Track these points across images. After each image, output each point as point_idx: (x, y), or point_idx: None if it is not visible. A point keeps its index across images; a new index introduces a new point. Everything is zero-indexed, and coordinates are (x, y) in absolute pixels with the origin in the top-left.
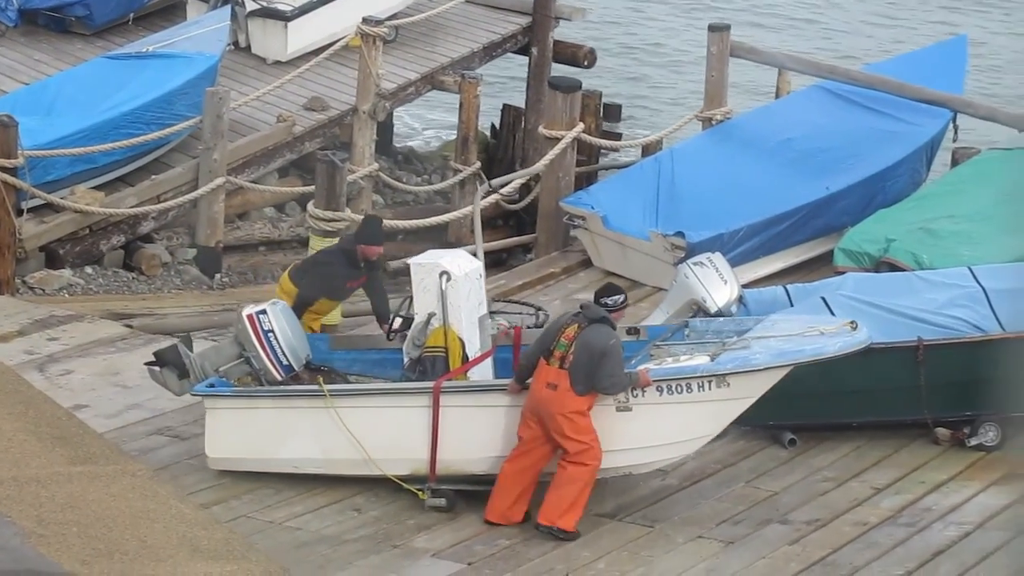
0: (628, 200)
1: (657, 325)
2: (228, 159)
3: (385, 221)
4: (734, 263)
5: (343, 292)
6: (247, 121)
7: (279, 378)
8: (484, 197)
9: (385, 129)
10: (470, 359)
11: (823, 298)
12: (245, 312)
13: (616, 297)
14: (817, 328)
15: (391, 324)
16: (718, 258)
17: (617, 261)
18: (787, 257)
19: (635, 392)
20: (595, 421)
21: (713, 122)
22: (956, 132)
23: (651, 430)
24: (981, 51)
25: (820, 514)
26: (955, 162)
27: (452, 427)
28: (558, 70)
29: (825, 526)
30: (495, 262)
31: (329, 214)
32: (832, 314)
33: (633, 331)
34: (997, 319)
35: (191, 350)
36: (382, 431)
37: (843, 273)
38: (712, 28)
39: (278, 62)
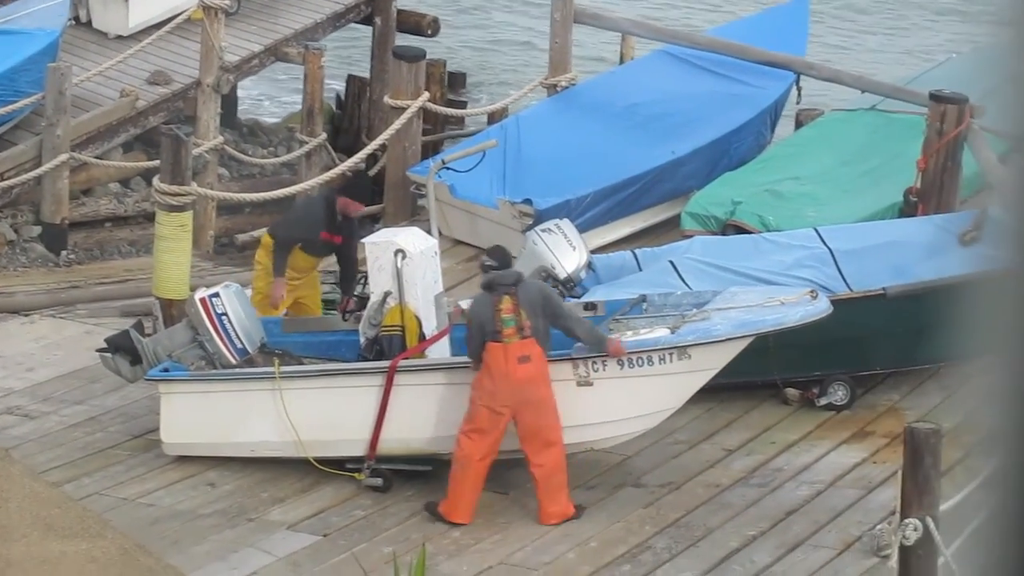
0: (476, 168)
1: (615, 299)
2: (71, 135)
3: (231, 194)
4: (582, 229)
5: (317, 244)
6: (90, 96)
7: (234, 362)
8: (436, 172)
9: (229, 102)
10: (427, 337)
11: (671, 262)
12: (198, 295)
13: (501, 256)
14: (777, 298)
15: (345, 305)
16: (566, 224)
17: (465, 230)
18: (635, 222)
19: (597, 366)
20: (556, 395)
21: (558, 89)
22: (800, 94)
23: (613, 404)
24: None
25: (673, 477)
26: (799, 124)
27: (405, 406)
28: (402, 40)
29: (678, 489)
30: None
31: (175, 188)
32: (680, 278)
33: (590, 306)
34: (844, 279)
35: (143, 335)
36: (338, 412)
37: (690, 237)
38: None
39: (120, 36)
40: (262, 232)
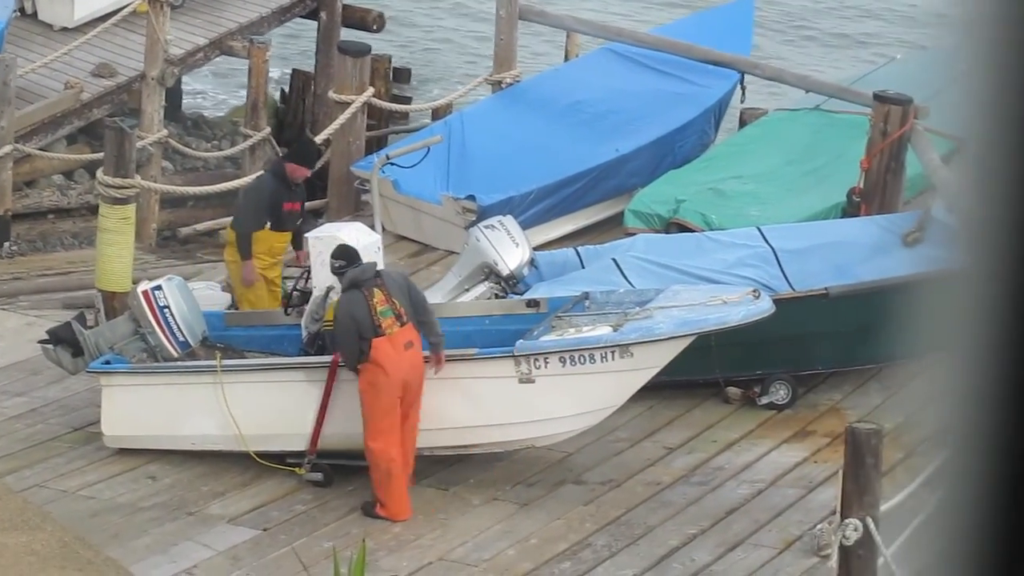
0: (419, 164)
1: (557, 297)
2: (15, 126)
3: (175, 187)
4: (525, 226)
5: (283, 216)
6: (34, 88)
7: (175, 355)
8: (380, 167)
9: (174, 95)
10: None
11: (614, 260)
12: (140, 288)
13: (347, 249)
14: (720, 297)
15: (288, 299)
16: (509, 221)
17: (409, 225)
18: (578, 219)
19: (538, 363)
20: (496, 392)
21: (503, 85)
22: (744, 93)
23: (554, 402)
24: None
25: (614, 474)
26: (743, 123)
27: (347, 401)
28: (347, 35)
29: (619, 486)
30: None
31: (119, 181)
32: (623, 276)
33: (533, 303)
34: (786, 278)
35: (85, 328)
36: (279, 407)
37: (633, 235)
38: None
39: (65, 28)
40: (206, 225)
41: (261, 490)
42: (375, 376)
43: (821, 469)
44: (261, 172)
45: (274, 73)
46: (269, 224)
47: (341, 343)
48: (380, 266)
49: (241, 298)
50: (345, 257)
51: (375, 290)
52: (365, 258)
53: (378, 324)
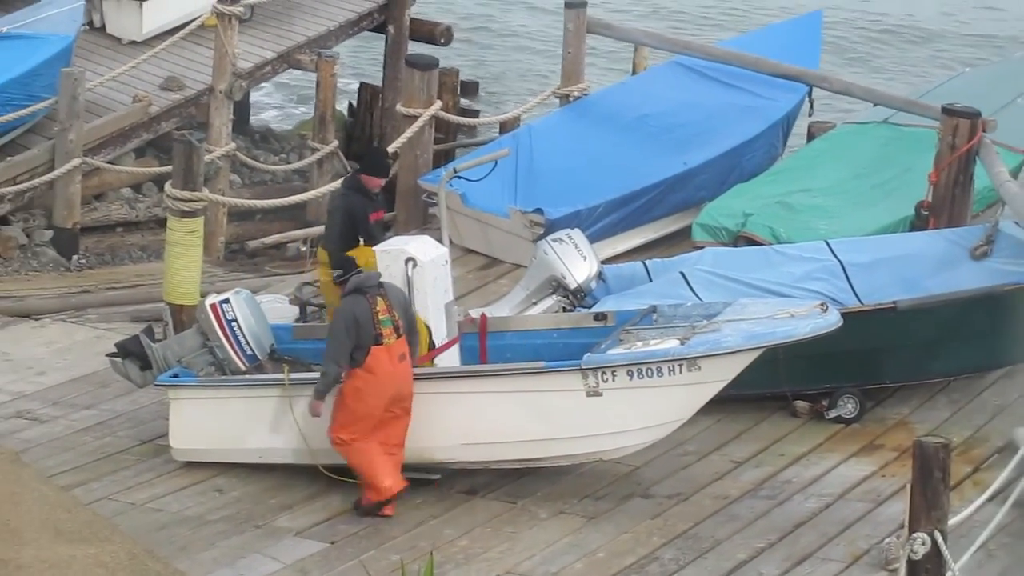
0: (487, 177)
1: (625, 310)
2: (84, 140)
3: (243, 201)
4: (593, 239)
5: (372, 229)
6: (103, 101)
7: (243, 368)
8: (448, 181)
9: (242, 108)
10: (437, 346)
11: (682, 273)
12: (208, 301)
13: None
14: (788, 311)
15: None
16: (577, 234)
17: (476, 239)
18: (646, 232)
19: (606, 376)
20: (564, 406)
21: (571, 98)
22: (812, 106)
23: (622, 415)
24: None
25: (681, 488)
26: (811, 136)
27: (415, 414)
28: (415, 48)
29: (687, 500)
30: None
31: (186, 194)
32: (691, 289)
33: (601, 317)
34: (854, 292)
35: (153, 341)
36: None
37: (701, 248)
38: (568, 5)
39: (134, 42)
40: (274, 239)
41: (329, 503)
42: (365, 384)
43: (889, 483)
44: (338, 190)
45: (341, 86)
46: (362, 240)
47: (334, 341)
48: (448, 281)
49: None
50: (343, 266)
51: (378, 298)
52: (433, 272)
53: (379, 332)
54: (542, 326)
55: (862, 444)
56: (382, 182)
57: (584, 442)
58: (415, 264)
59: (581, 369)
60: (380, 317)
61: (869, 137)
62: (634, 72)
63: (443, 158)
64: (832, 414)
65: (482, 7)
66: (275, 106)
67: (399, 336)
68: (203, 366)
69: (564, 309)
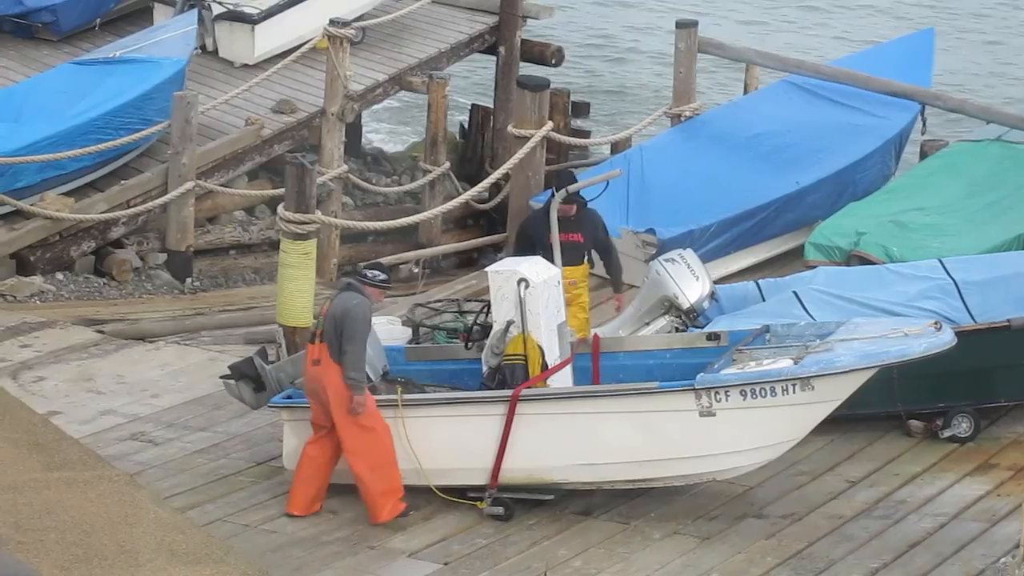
0: (599, 198)
1: (738, 330)
2: (197, 163)
3: (355, 223)
4: (705, 259)
5: (550, 250)
6: (216, 125)
7: None
8: (561, 201)
9: (354, 130)
10: (549, 367)
11: (795, 292)
12: None
13: (375, 272)
14: (901, 330)
15: (469, 333)
16: (689, 254)
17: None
18: (758, 252)
19: (719, 396)
20: (677, 426)
21: (682, 118)
22: (924, 125)
23: (735, 435)
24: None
25: (795, 508)
26: (924, 155)
27: (528, 435)
28: (526, 69)
29: (801, 520)
30: (466, 261)
31: (299, 216)
32: (804, 308)
33: (714, 336)
34: (968, 311)
35: (266, 363)
36: (459, 440)
37: (814, 267)
38: (680, 24)
39: (246, 65)
40: (386, 260)
41: (442, 524)
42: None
43: (1004, 502)
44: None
45: (453, 108)
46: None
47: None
48: (561, 301)
49: None
50: (367, 266)
51: (328, 302)
52: (545, 292)
53: (314, 329)
54: (655, 346)
55: (977, 463)
56: (571, 208)
57: (697, 462)
58: (527, 285)
59: (694, 389)
60: (320, 317)
61: (982, 155)
62: (745, 91)
63: (555, 179)
64: (947, 433)
65: (599, 25)
66: (387, 128)
67: (321, 341)
68: None
69: (677, 329)
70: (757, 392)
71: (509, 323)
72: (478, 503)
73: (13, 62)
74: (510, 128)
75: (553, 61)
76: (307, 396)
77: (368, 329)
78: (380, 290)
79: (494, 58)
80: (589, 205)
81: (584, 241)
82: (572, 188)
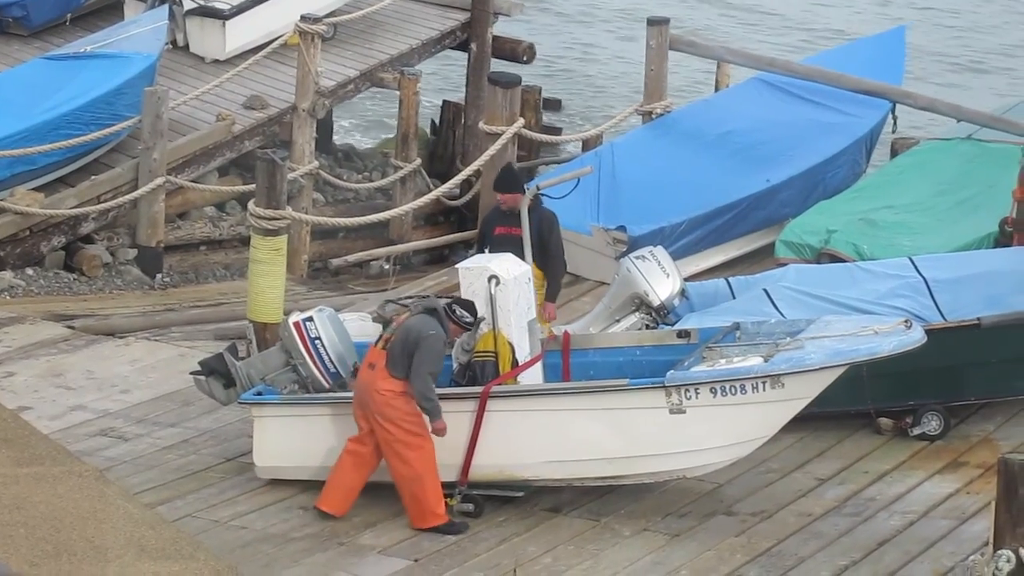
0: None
1: (708, 327)
2: (168, 159)
3: (326, 219)
4: (676, 256)
5: (495, 240)
6: (186, 120)
7: (327, 386)
8: (531, 198)
9: (324, 127)
10: (520, 364)
11: (765, 290)
12: (292, 319)
13: (464, 312)
14: (871, 328)
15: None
16: (660, 252)
17: None
18: (729, 250)
19: (689, 394)
20: (647, 423)
21: (653, 116)
22: (895, 123)
23: (705, 433)
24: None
25: (765, 505)
26: (895, 153)
27: (498, 432)
28: (497, 66)
29: (770, 517)
30: (437, 258)
31: (270, 212)
32: (774, 306)
33: (684, 334)
34: (938, 309)
35: (237, 359)
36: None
37: (785, 265)
38: (651, 22)
39: (216, 61)
40: (357, 257)
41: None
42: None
43: (973, 500)
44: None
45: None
46: (487, 250)
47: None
48: (531, 299)
49: None
50: (460, 303)
51: (405, 313)
52: (516, 289)
53: (382, 333)
54: (625, 343)
55: (946, 461)
56: (515, 197)
57: (667, 459)
58: (498, 282)
59: (664, 386)
60: (392, 323)
61: (953, 153)
62: (717, 89)
63: (525, 176)
64: (916, 431)
65: (565, 25)
66: (358, 124)
67: (384, 348)
68: (286, 384)
69: (647, 326)
70: (727, 389)
71: (480, 320)
72: (448, 500)
73: None
74: (481, 125)
75: (525, 58)
76: (355, 402)
77: (437, 368)
78: (461, 329)
79: (465, 55)
80: (544, 204)
81: (522, 236)
82: (543, 184)
